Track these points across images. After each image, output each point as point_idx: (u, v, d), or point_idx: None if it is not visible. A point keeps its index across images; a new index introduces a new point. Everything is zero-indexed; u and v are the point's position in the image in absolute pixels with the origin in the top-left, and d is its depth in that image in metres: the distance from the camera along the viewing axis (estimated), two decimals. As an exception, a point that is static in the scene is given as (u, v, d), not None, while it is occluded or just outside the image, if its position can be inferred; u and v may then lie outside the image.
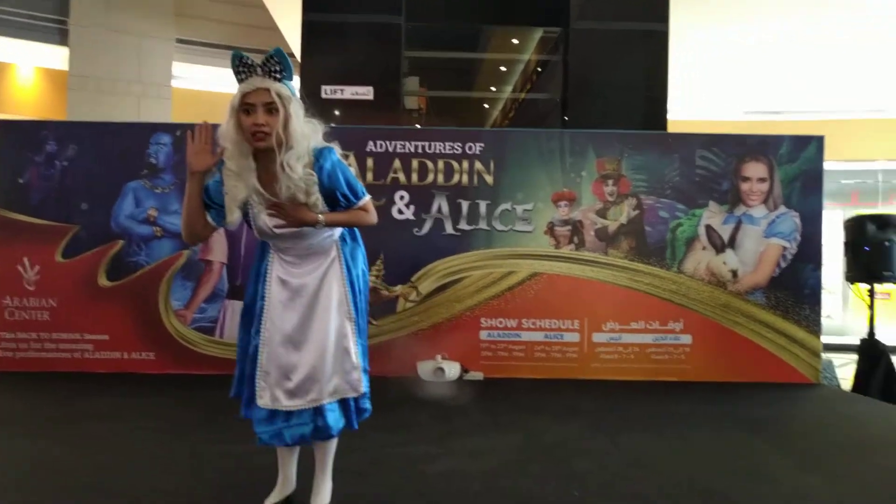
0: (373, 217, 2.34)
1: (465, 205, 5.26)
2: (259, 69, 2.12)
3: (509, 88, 10.81)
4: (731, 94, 11.58)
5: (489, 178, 5.27)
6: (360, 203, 2.30)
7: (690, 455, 3.30)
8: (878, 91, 11.17)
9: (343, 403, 2.30)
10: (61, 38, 11.17)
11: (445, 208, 5.24)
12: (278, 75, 2.13)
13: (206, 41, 12.33)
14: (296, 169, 2.14)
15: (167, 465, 2.98)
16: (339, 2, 7.06)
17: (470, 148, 5.28)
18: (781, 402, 4.48)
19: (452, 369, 5.04)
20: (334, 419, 2.28)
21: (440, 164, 5.27)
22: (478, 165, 5.28)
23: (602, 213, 5.30)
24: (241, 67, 2.13)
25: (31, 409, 4.06)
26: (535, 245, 5.25)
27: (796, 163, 5.29)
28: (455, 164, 5.27)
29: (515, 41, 9.35)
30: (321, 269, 2.29)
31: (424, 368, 5.04)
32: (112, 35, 11.19)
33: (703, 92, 11.23)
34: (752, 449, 3.43)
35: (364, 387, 2.32)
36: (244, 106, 2.12)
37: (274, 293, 2.27)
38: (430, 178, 5.26)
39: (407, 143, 5.27)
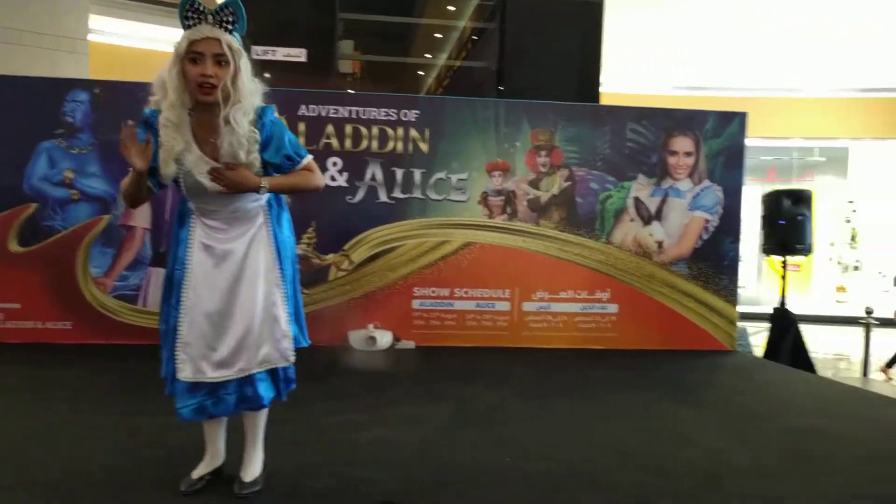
0: (318, 179, 2.28)
1: (399, 173, 5.21)
2: (210, 17, 2.02)
3: (445, 56, 10.71)
4: (661, 70, 11.86)
5: (424, 147, 5.24)
6: (304, 163, 2.23)
7: (616, 420, 3.43)
8: (796, 71, 11.68)
9: (272, 373, 2.24)
10: (-38, -17, 10.33)
11: (379, 176, 5.18)
12: (230, 26, 2.05)
13: (126, -7, 11.66)
14: (242, 124, 2.07)
15: (87, 438, 2.87)
16: (271, -41, 6.78)
17: (405, 115, 5.22)
18: (700, 369, 4.70)
19: (384, 338, 5.04)
20: (265, 388, 2.22)
21: (374, 130, 5.19)
22: (413, 133, 5.22)
23: (535, 184, 5.35)
24: (191, 13, 2.02)
25: (-64, 382, 3.83)
26: (468, 215, 5.27)
27: (720, 138, 5.48)
28: (390, 131, 5.20)
29: (452, 8, 9.25)
30: (248, 234, 2.19)
31: (356, 337, 5.02)
32: (21, -18, 10.42)
33: (635, 66, 11.45)
34: (673, 413, 3.59)
35: (293, 357, 2.26)
36: (191, 54, 2.02)
37: (196, 260, 2.16)
38: (364, 144, 5.18)
39: (340, 108, 5.16)
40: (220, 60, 2.02)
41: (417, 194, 5.22)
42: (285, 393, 2.31)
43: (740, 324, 5.59)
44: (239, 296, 2.16)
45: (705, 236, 5.44)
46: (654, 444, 3.04)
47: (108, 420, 3.13)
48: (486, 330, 5.27)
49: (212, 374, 2.15)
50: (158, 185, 2.18)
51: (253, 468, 2.33)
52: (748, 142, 5.60)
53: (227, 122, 2.06)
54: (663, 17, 9.38)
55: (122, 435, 2.92)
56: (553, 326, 5.32)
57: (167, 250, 2.24)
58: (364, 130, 5.17)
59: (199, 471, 2.32)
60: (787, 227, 5.83)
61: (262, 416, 2.34)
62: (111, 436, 2.92)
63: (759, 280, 12.06)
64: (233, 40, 2.05)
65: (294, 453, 2.73)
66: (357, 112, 5.18)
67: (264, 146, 2.14)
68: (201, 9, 2.02)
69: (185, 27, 2.04)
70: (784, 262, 6.02)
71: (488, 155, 5.29)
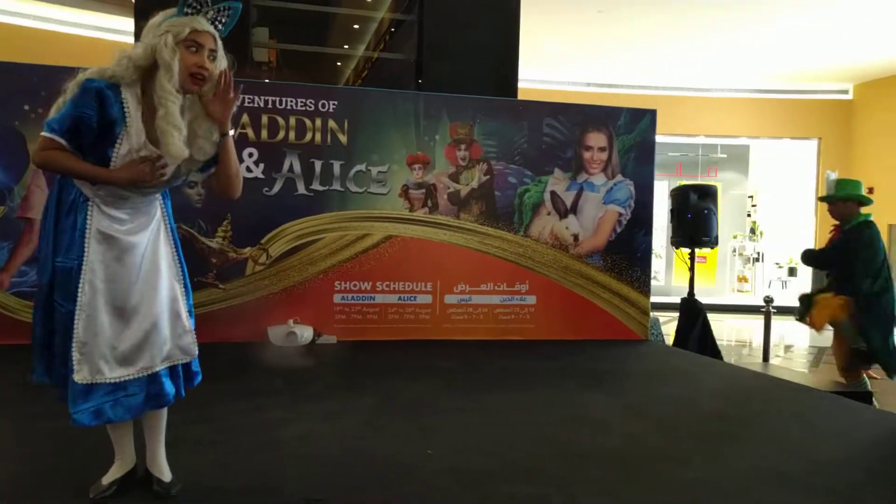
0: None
1: (318, 164, 5.12)
2: (210, 13, 2.04)
3: (363, 47, 10.60)
4: (577, 66, 12.17)
5: (343, 138, 5.17)
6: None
7: (537, 409, 3.51)
8: (703, 70, 12.24)
9: (172, 370, 2.15)
10: None
11: (297, 167, 5.08)
12: (221, 26, 2.08)
13: (20, -31, 10.90)
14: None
15: (-16, 445, 2.69)
16: (179, -62, 6.49)
17: (323, 105, 5.13)
18: (615, 357, 4.86)
19: (305, 333, 4.95)
20: (169, 385, 2.13)
21: (292, 120, 5.08)
22: (331, 124, 5.14)
23: (454, 178, 5.39)
24: (195, 3, 2.02)
25: None
26: (389, 208, 5.25)
27: (632, 134, 5.67)
28: (308, 122, 5.10)
29: (369, -1, 9.16)
30: (149, 227, 2.10)
31: (276, 333, 4.91)
32: None
33: (552, 62, 11.69)
34: (591, 400, 3.71)
35: (196, 352, 2.20)
36: (189, 42, 2.00)
37: (94, 251, 2.00)
38: (282, 135, 5.06)
39: (256, 98, 5.02)
40: (212, 56, 2.04)
41: (337, 186, 5.15)
42: (192, 384, 2.24)
43: (652, 314, 5.82)
44: (142, 290, 2.06)
45: (619, 229, 5.63)
46: (573, 431, 3.13)
47: (11, 424, 2.94)
48: (408, 323, 5.26)
49: (111, 374, 2.01)
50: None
51: (166, 467, 2.23)
52: (657, 138, 5.83)
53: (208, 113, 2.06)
54: (578, 13, 9.62)
55: (26, 440, 2.75)
56: (474, 318, 5.38)
57: (43, 244, 2.07)
58: (281, 121, 5.05)
59: (110, 476, 2.20)
60: (694, 220, 6.11)
61: (164, 414, 2.22)
62: (14, 441, 2.74)
63: (668, 272, 12.62)
64: (218, 40, 2.08)
65: (214, 453, 2.65)
66: (274, 101, 5.05)
67: None
68: (204, 2, 2.03)
69: (183, 13, 2.01)
70: (692, 254, 6.31)
71: (408, 148, 5.28)
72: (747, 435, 3.16)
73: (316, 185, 5.12)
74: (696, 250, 6.32)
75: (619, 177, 5.63)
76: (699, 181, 11.39)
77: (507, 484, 2.48)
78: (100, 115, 1.95)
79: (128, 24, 8.84)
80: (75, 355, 1.98)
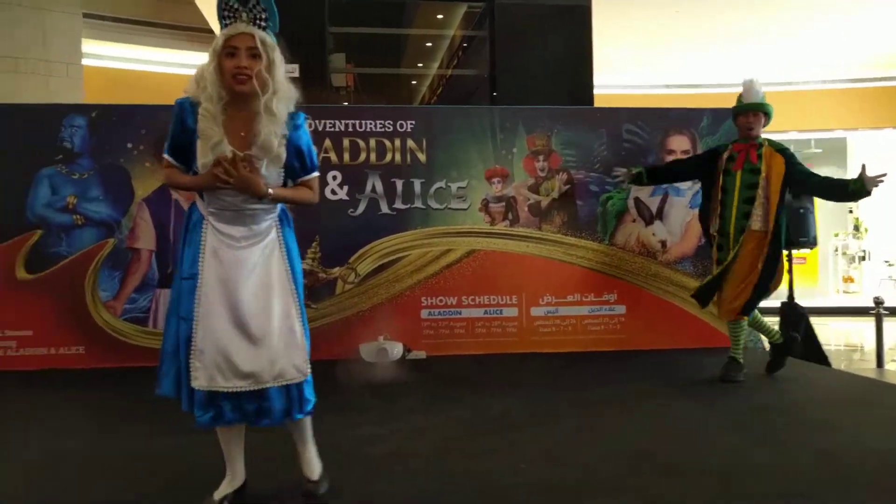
0: (316, 196, 2.37)
1: (399, 183, 5.23)
2: (245, 15, 2.12)
3: (436, 65, 10.76)
4: (653, 68, 11.90)
5: (422, 157, 5.26)
6: (311, 176, 2.33)
7: (630, 421, 3.43)
8: (789, 64, 11.71)
9: (285, 390, 2.21)
10: (-45, 14, 10.38)
11: (380, 188, 5.20)
12: (263, 23, 2.15)
13: (117, 16, 11.70)
14: (281, 113, 2.15)
15: (105, 463, 2.87)
16: (259, -24, 6.81)
17: (401, 126, 5.24)
18: (712, 366, 4.67)
19: (395, 349, 5.04)
20: (280, 402, 2.21)
21: (372, 142, 5.21)
22: (410, 143, 5.25)
23: (534, 189, 5.37)
24: (226, 12, 2.13)
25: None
26: (470, 222, 5.29)
27: (716, 135, 5.49)
28: (387, 143, 5.22)
29: (440, 16, 9.29)
30: (260, 244, 2.21)
31: (367, 350, 5.02)
32: (12, 10, 10.47)
33: (628, 66, 11.49)
34: (688, 411, 3.59)
35: (309, 370, 2.25)
36: (227, 49, 2.11)
37: (210, 268, 2.15)
38: (363, 157, 5.20)
39: (337, 122, 5.18)
40: (254, 54, 2.11)
41: (419, 204, 5.24)
42: (303, 411, 2.27)
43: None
44: (256, 306, 2.16)
45: (708, 233, 5.43)
46: (668, 444, 3.04)
47: (128, 441, 3.14)
48: (495, 337, 5.27)
49: (225, 384, 2.14)
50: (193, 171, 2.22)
51: (316, 464, 2.39)
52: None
53: (269, 111, 2.12)
54: (653, 14, 9.42)
55: (142, 456, 2.93)
56: (562, 330, 5.33)
57: (174, 264, 2.25)
58: (361, 143, 5.19)
59: (221, 491, 2.31)
60: (790, 220, 5.82)
61: (306, 421, 2.35)
62: (131, 458, 2.92)
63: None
64: (266, 36, 2.14)
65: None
66: (353, 125, 5.20)
67: (291, 142, 2.22)
68: (235, 6, 2.12)
69: (223, 26, 2.14)
70: (789, 256, 6.01)
71: (486, 162, 5.31)
72: (862, 448, 2.97)
73: (398, 204, 5.22)
74: (794, 252, 6.02)
75: (704, 180, 5.45)
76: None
77: (601, 499, 2.44)
78: (182, 128, 2.15)
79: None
80: (194, 363, 2.12)
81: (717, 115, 5.50)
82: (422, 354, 5.15)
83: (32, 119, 4.99)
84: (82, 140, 4.96)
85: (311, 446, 2.39)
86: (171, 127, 2.18)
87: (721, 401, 3.84)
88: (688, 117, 5.51)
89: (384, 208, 5.20)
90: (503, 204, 5.33)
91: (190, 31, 11.96)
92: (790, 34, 10.18)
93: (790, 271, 6.00)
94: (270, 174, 2.20)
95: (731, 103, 5.72)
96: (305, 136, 2.28)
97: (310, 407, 2.30)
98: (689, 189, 5.42)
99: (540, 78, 6.97)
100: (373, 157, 5.20)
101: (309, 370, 2.26)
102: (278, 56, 2.17)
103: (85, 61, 11.29)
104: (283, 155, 2.19)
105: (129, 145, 4.98)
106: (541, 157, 5.38)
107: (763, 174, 4.14)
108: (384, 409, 3.69)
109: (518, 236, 5.33)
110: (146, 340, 4.89)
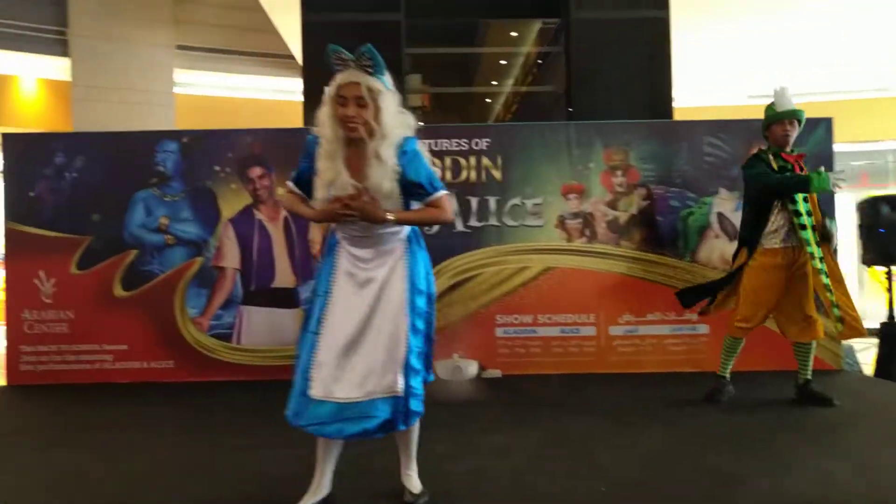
0: (447, 214, 2.45)
1: (474, 201, 5.25)
2: (353, 63, 2.29)
3: (511, 82, 10.79)
4: (735, 79, 11.53)
5: (497, 174, 5.26)
6: (435, 196, 2.40)
7: (714, 445, 3.30)
8: (883, 70, 11.11)
9: (393, 402, 2.31)
10: (62, 48, 11.20)
11: (455, 206, 5.23)
12: (370, 69, 2.29)
13: (206, 46, 12.35)
14: (388, 158, 2.29)
15: (193, 472, 2.99)
16: (337, 1, 7.04)
17: (476, 144, 5.27)
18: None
19: (470, 367, 5.04)
20: (384, 413, 2.29)
21: (447, 161, 5.26)
22: (485, 161, 5.27)
23: (612, 205, 5.28)
24: (337, 61, 2.30)
25: (55, 421, 4.09)
26: (546, 239, 5.24)
27: (805, 146, 5.24)
28: (462, 161, 5.26)
29: (514, 34, 9.33)
30: (387, 265, 2.38)
31: (442, 368, 5.04)
32: (113, 44, 11.21)
33: (707, 77, 11.19)
34: (776, 436, 3.42)
35: (412, 385, 2.32)
36: (339, 98, 2.29)
37: (339, 286, 2.36)
38: (438, 175, 5.23)
39: (413, 142, 5.25)
40: (361, 103, 2.27)
41: (493, 221, 5.24)
42: (407, 423, 2.35)
43: (845, 341, 5.28)
44: (373, 322, 2.33)
45: (798, 249, 5.19)
46: (756, 470, 2.90)
47: (212, 454, 3.25)
48: (572, 356, 5.18)
49: (340, 395, 2.28)
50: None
51: (415, 480, 2.54)
52: (836, 147, 5.35)
53: (377, 156, 2.29)
54: (733, 24, 9.15)
55: (227, 468, 3.03)
56: (641, 350, 5.19)
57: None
58: (437, 162, 5.24)
59: (305, 501, 2.41)
60: (888, 234, 5.50)
61: (413, 433, 2.49)
62: (215, 469, 3.02)
63: (861, 293, 11.36)
64: (374, 82, 2.28)
65: (390, 484, 2.75)
66: (429, 144, 5.26)
67: (403, 174, 2.33)
68: (345, 57, 2.29)
69: (336, 72, 2.31)
70: (888, 273, 5.67)
71: (562, 178, 5.27)
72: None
73: (473, 222, 5.24)
74: (894, 269, 5.67)
75: (794, 193, 5.21)
76: (891, 190, 10.25)
77: (689, 526, 2.35)
78: (310, 163, 2.38)
79: (297, 83, 9.67)
80: (313, 373, 2.29)
81: (805, 124, 5.21)
82: (497, 373, 5.12)
83: (130, 145, 5.30)
84: (174, 164, 5.23)
85: (413, 461, 2.55)
86: (300, 159, 2.43)
87: (814, 426, 3.63)
88: (773, 129, 5.29)
89: (459, 226, 5.23)
90: (580, 220, 5.27)
91: (274, 57, 12.48)
92: (886, 37, 9.67)
93: (889, 290, 5.65)
94: (389, 202, 2.35)
95: (822, 113, 5.48)
96: (416, 163, 2.36)
97: (414, 420, 2.39)
98: (776, 203, 5.19)
99: (617, 92, 6.88)
100: (448, 175, 5.24)
101: (399, 389, 2.31)
102: (385, 100, 2.30)
103: (176, 90, 11.96)
104: (396, 191, 2.33)
105: (217, 168, 5.21)
106: (619, 173, 5.29)
107: None
108: (460, 428, 3.69)
109: (596, 253, 5.25)
110: (231, 356, 5.07)
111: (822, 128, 5.26)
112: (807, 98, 11.28)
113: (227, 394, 4.39)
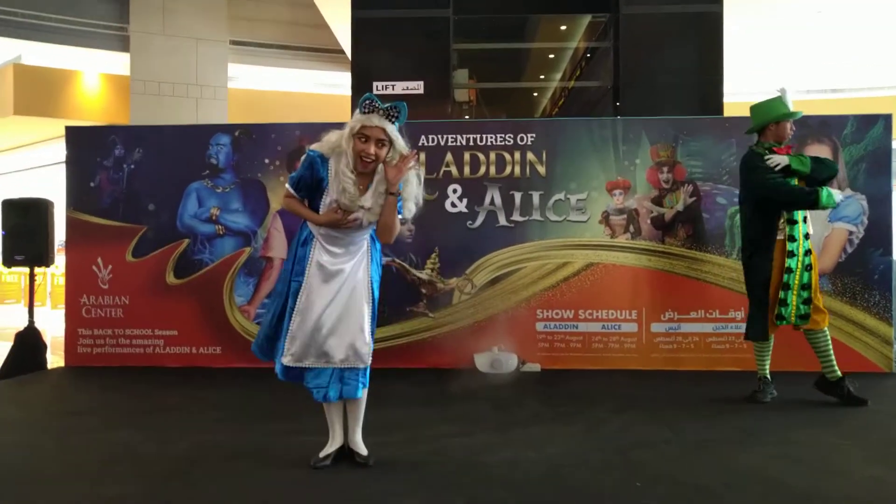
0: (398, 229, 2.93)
1: (517, 196, 5.26)
2: (382, 111, 2.71)
3: (558, 76, 10.71)
4: (790, 74, 11.21)
5: (542, 169, 5.26)
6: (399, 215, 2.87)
7: (755, 446, 3.25)
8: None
9: (346, 374, 2.81)
10: (123, 44, 11.60)
11: (498, 200, 5.26)
12: (395, 120, 2.76)
13: (259, 41, 12.61)
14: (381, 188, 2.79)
15: (240, 455, 3.10)
16: (387, -3, 7.11)
17: (522, 139, 5.28)
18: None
19: (509, 361, 5.06)
20: (352, 380, 2.81)
21: (492, 156, 5.28)
22: (530, 156, 5.27)
23: (657, 201, 5.23)
24: (368, 107, 2.71)
25: (109, 402, 4.28)
26: (590, 235, 5.22)
27: (862, 143, 5.10)
28: (507, 156, 5.27)
29: (563, 28, 9.26)
30: (354, 258, 2.84)
31: (481, 360, 5.08)
32: (170, 40, 11.56)
33: (761, 72, 10.90)
34: (821, 440, 3.35)
35: (369, 360, 2.83)
36: (361, 134, 2.71)
37: (312, 274, 2.79)
38: (483, 170, 5.28)
39: (458, 136, 5.30)
40: (382, 143, 2.73)
41: (537, 216, 5.24)
42: (360, 390, 2.84)
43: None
44: (339, 306, 2.79)
45: (850, 249, 5.06)
46: (798, 472, 2.85)
47: (258, 437, 3.36)
48: (613, 352, 5.16)
49: (308, 362, 2.79)
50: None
51: (361, 444, 2.91)
52: (894, 144, 5.18)
53: (379, 192, 2.77)
54: (791, 17, 8.89)
55: (276, 453, 3.13)
56: (684, 348, 5.13)
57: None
58: (482, 157, 5.27)
59: (325, 450, 2.91)
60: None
61: (360, 404, 2.90)
62: (265, 453, 3.13)
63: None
64: (393, 129, 2.74)
65: (424, 474, 2.81)
66: (474, 139, 5.29)
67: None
68: (376, 104, 2.71)
69: (362, 113, 2.72)
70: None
71: (607, 174, 5.23)
72: None
73: (516, 216, 5.25)
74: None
75: (848, 191, 5.08)
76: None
77: (723, 524, 2.33)
78: (311, 175, 2.78)
79: (345, 77, 9.81)
80: (287, 345, 2.79)
81: (862, 121, 5.11)
82: (536, 367, 5.13)
83: (184, 138, 5.49)
84: (226, 156, 5.39)
85: (358, 425, 2.91)
86: (301, 170, 2.79)
87: (861, 430, 3.54)
88: (829, 124, 5.16)
89: (502, 220, 5.25)
90: (625, 216, 5.23)
91: (324, 52, 12.68)
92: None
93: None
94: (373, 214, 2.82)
95: (881, 107, 5.30)
96: (399, 203, 2.84)
97: (360, 392, 2.84)
98: (829, 201, 5.05)
99: (667, 88, 6.79)
100: (492, 170, 5.27)
101: (369, 361, 2.83)
102: (399, 143, 2.77)
103: (229, 84, 12.25)
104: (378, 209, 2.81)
105: (266, 160, 5.35)
106: (665, 169, 5.23)
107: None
108: (498, 420, 3.72)
109: (639, 249, 5.20)
110: (277, 343, 5.21)
111: (880, 124, 5.10)
112: (864, 93, 10.92)
113: (272, 381, 4.49)
